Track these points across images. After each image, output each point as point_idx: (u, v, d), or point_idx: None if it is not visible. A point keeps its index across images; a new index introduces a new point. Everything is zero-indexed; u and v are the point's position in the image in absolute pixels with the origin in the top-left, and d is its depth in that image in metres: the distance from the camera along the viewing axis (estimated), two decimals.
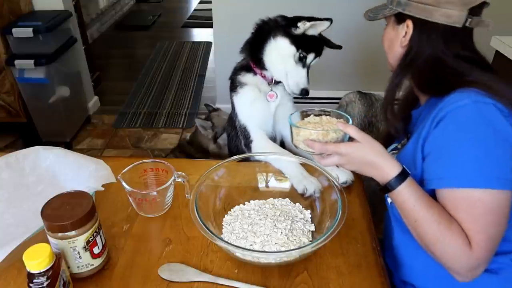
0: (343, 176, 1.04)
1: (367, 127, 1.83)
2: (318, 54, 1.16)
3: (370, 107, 1.90)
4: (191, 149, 2.06)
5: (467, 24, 0.82)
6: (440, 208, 0.77)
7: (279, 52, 1.12)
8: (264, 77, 1.17)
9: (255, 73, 1.18)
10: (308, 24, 1.09)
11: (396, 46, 0.92)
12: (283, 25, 1.13)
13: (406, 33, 0.89)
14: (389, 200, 0.93)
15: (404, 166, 0.80)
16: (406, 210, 0.79)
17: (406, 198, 0.78)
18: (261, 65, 1.15)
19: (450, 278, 0.77)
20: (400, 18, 0.90)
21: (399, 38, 0.91)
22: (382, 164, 0.79)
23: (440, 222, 0.75)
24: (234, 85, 1.21)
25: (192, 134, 2.13)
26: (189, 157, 1.97)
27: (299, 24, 1.09)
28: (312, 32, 1.11)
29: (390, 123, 0.98)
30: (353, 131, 0.81)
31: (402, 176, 0.78)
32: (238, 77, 1.20)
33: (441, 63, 0.85)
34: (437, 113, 0.80)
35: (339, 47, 1.21)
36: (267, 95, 1.18)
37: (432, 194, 0.80)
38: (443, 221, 0.75)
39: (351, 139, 0.83)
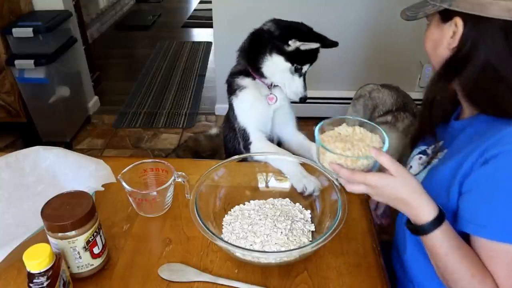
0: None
1: (401, 108, 1.83)
2: (312, 61, 1.17)
3: (396, 91, 1.93)
4: (204, 148, 1.89)
5: None
6: (474, 259, 0.70)
7: (276, 67, 1.13)
8: (263, 81, 1.19)
9: (254, 78, 1.19)
10: (298, 43, 1.09)
11: (442, 48, 0.79)
12: (276, 41, 1.11)
13: (454, 33, 0.75)
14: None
15: (441, 209, 0.70)
16: (436, 254, 0.71)
17: (439, 245, 0.70)
18: (259, 73, 1.16)
19: None
20: (446, 15, 0.76)
21: (445, 39, 0.77)
22: (416, 205, 0.69)
23: (474, 275, 0.68)
24: (232, 88, 1.22)
25: (224, 131, 1.97)
26: (195, 156, 1.88)
27: (290, 42, 1.09)
28: (304, 47, 1.10)
29: (423, 126, 0.90)
30: (387, 161, 0.69)
31: (438, 221, 0.69)
32: (236, 80, 1.21)
33: (498, 72, 0.72)
34: (487, 147, 0.70)
35: (335, 44, 1.18)
36: (267, 98, 1.19)
37: (465, 236, 0.72)
38: (478, 274, 0.68)
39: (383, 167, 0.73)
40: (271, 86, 1.19)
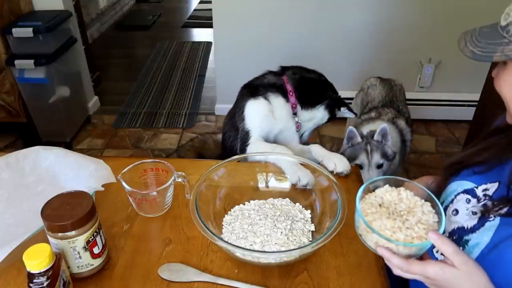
0: (340, 166, 1.06)
1: (388, 104, 1.98)
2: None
3: (390, 89, 2.08)
4: (209, 150, 1.87)
5: None
6: None
7: (317, 116, 1.34)
8: (294, 107, 1.27)
9: (288, 100, 1.26)
10: (346, 112, 1.38)
11: None
12: (333, 102, 1.34)
13: None
14: (438, 255, 0.76)
15: None
16: None
17: None
18: (302, 104, 1.28)
19: None
20: None
21: None
22: None
23: None
24: (257, 93, 1.27)
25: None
26: (198, 157, 1.83)
27: (342, 109, 1.36)
28: (343, 115, 1.40)
29: (482, 151, 0.76)
30: (450, 251, 0.58)
31: None
32: (268, 92, 1.27)
33: None
34: None
35: (355, 114, 1.45)
36: (295, 125, 1.30)
37: None
38: None
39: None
40: (296, 115, 1.30)
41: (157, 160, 0.97)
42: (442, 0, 2.55)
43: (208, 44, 4.24)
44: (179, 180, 0.93)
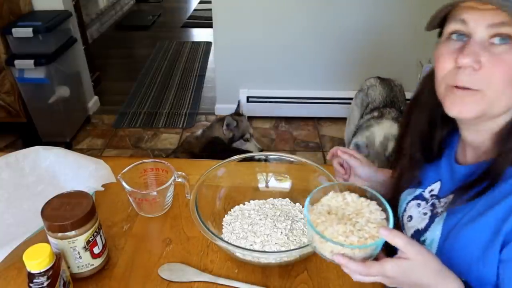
0: None
1: (389, 104, 1.96)
2: None
3: (390, 90, 2.06)
4: (197, 147, 2.02)
5: None
6: None
7: None
8: None
9: None
10: None
11: None
12: None
13: None
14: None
15: (469, 283, 0.61)
16: None
17: None
18: None
19: None
20: None
21: None
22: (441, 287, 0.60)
23: None
24: None
25: (207, 128, 2.12)
26: (193, 156, 1.94)
27: None
28: None
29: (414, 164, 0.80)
30: (403, 243, 0.57)
31: None
32: None
33: None
34: None
35: None
36: None
37: None
38: None
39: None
40: None
41: (157, 160, 0.97)
42: (442, 0, 2.55)
43: (208, 44, 4.24)
44: (179, 180, 0.93)
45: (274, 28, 2.67)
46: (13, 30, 2.23)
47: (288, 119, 2.91)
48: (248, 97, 2.85)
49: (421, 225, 0.78)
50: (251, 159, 1.07)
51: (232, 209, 0.96)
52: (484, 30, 0.61)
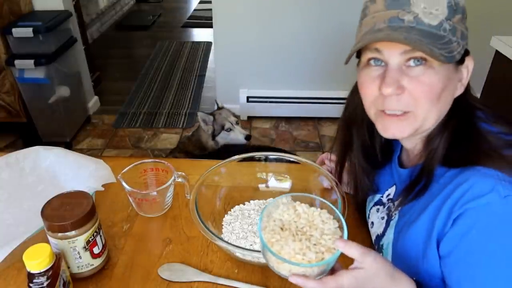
0: None
1: None
2: None
3: None
4: (190, 146, 2.15)
5: None
6: None
7: None
8: None
9: None
10: None
11: (449, 96, 0.67)
12: None
13: (466, 74, 0.68)
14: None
15: (420, 282, 0.64)
16: None
17: None
18: None
19: None
20: (463, 56, 0.66)
21: (455, 83, 0.67)
22: None
23: None
24: None
25: (197, 128, 2.22)
26: (188, 155, 2.03)
27: None
28: None
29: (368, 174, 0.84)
30: (358, 253, 0.58)
31: None
32: None
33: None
34: (453, 207, 0.62)
35: None
36: None
37: None
38: None
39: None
40: None
41: (157, 160, 0.97)
42: None
43: (208, 44, 4.24)
44: (179, 180, 0.93)
45: (274, 28, 2.67)
46: (13, 30, 2.23)
47: (288, 119, 2.92)
48: (248, 97, 2.85)
49: (380, 230, 0.81)
50: (251, 159, 1.07)
51: (232, 209, 0.96)
52: (399, 56, 0.64)
